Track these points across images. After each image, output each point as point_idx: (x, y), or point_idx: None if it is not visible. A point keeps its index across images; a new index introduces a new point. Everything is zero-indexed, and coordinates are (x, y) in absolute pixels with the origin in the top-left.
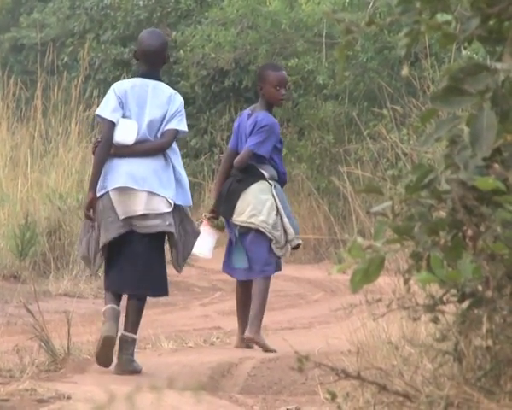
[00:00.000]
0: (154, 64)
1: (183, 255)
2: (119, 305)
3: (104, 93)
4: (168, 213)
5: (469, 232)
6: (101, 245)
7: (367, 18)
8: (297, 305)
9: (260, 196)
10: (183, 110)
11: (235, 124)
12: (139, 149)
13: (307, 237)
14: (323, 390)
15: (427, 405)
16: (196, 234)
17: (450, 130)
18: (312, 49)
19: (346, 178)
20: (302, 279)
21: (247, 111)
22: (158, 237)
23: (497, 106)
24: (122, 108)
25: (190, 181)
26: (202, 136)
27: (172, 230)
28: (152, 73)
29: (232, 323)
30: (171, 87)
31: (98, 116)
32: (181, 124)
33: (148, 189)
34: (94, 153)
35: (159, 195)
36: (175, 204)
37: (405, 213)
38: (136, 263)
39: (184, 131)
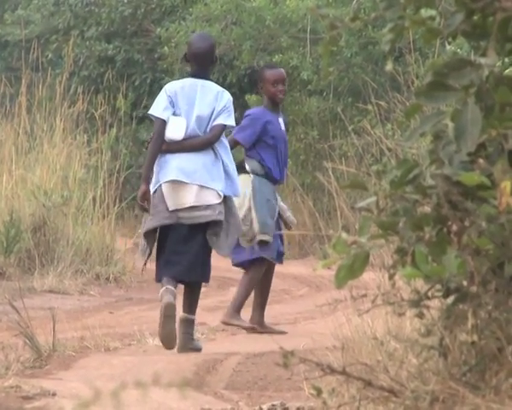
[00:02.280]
0: (202, 64)
1: (227, 242)
2: (174, 287)
3: (89, 89)
4: (219, 203)
5: (454, 227)
6: (143, 231)
7: (351, 13)
8: (282, 300)
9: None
10: (231, 106)
11: None
12: (188, 145)
13: (292, 232)
14: (309, 386)
15: (413, 400)
16: (238, 229)
17: (435, 125)
18: (297, 45)
19: (330, 173)
20: (287, 275)
21: None
22: (203, 227)
23: (482, 101)
24: (173, 106)
25: None
26: None
27: (222, 218)
28: (201, 72)
29: (217, 318)
30: (155, 83)
31: (151, 115)
32: (228, 119)
33: (199, 182)
34: (147, 149)
35: (208, 187)
36: (224, 196)
37: (390, 209)
38: (187, 252)
39: (232, 126)
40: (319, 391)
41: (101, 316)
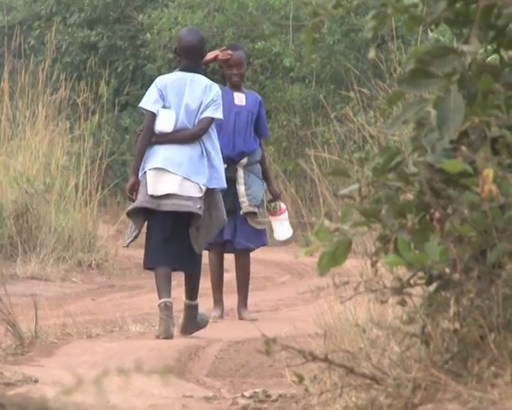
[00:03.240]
0: (192, 58)
1: (205, 238)
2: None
3: (71, 76)
4: (199, 197)
5: (437, 215)
6: (126, 211)
7: (334, 0)
8: (264, 288)
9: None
10: (220, 99)
11: None
12: (177, 137)
13: (273, 219)
14: (291, 373)
15: (395, 387)
16: (220, 223)
17: (418, 112)
18: (279, 32)
19: (313, 160)
20: (269, 262)
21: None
22: (187, 218)
23: (464, 88)
24: (163, 99)
25: None
26: None
27: (201, 212)
28: (191, 66)
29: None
30: (138, 70)
31: (141, 108)
32: (216, 112)
33: (183, 174)
34: (136, 141)
35: (192, 181)
36: (208, 189)
37: (372, 196)
38: (173, 242)
39: (220, 119)
40: (301, 378)
41: (83, 303)
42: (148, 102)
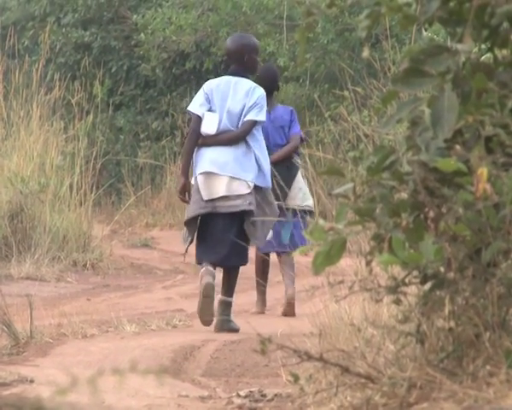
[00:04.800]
0: (237, 63)
1: (263, 232)
2: (214, 269)
3: (65, 76)
4: (249, 194)
5: (431, 214)
6: (184, 220)
7: (327, 0)
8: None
9: (303, 180)
10: (263, 102)
11: None
12: (221, 139)
13: (269, 219)
14: (286, 372)
15: (390, 386)
16: (275, 215)
17: (412, 111)
18: (273, 32)
19: (307, 160)
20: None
21: None
22: (239, 216)
23: (458, 87)
24: (208, 103)
25: (151, 164)
26: (163, 119)
27: (252, 208)
28: (237, 70)
29: (194, 305)
30: (132, 70)
31: (188, 111)
32: (259, 115)
33: (229, 174)
34: (183, 143)
35: (239, 179)
36: (256, 186)
37: (367, 195)
38: (223, 239)
39: (262, 121)
40: (296, 378)
41: (78, 303)
42: (195, 105)
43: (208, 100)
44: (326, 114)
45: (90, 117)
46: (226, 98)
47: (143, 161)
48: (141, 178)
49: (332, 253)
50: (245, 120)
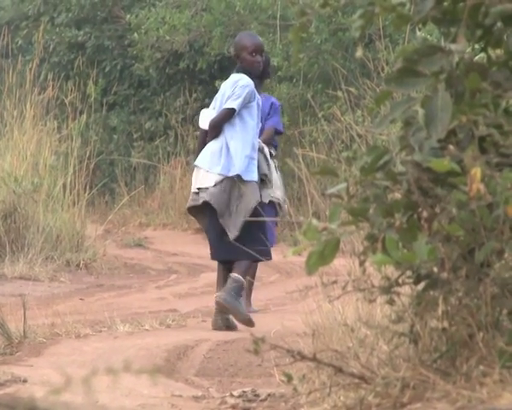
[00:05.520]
0: (238, 61)
1: (234, 223)
2: (227, 269)
3: (59, 76)
4: (212, 186)
5: (424, 214)
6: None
7: (321, 0)
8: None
9: (277, 173)
10: (242, 91)
11: None
12: (209, 132)
13: (262, 219)
14: (279, 372)
15: (383, 387)
16: (247, 212)
17: (405, 111)
18: (267, 32)
19: (300, 160)
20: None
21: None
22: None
23: (452, 87)
24: (215, 101)
25: (145, 164)
26: (157, 118)
27: (208, 198)
28: (238, 68)
29: (188, 305)
30: (125, 70)
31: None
32: (232, 102)
33: (206, 167)
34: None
35: (212, 172)
36: (230, 178)
37: (360, 195)
38: (214, 233)
39: (230, 108)
40: (290, 378)
41: (71, 303)
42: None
43: (216, 99)
44: (319, 114)
45: (84, 117)
46: (222, 94)
47: (137, 161)
48: (134, 178)
49: (325, 253)
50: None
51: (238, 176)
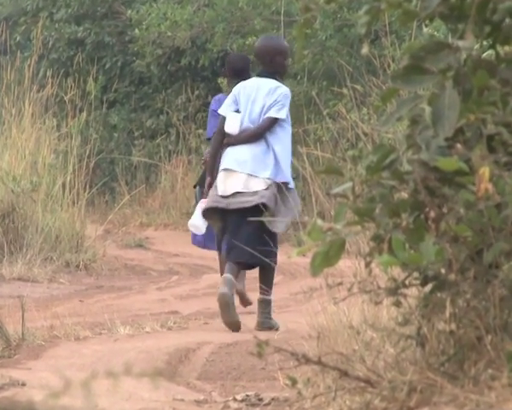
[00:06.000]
0: (264, 64)
1: (284, 221)
2: (235, 275)
3: (58, 73)
4: (265, 189)
5: (432, 214)
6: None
7: None
8: (256, 289)
9: None
10: (285, 100)
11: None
12: (241, 137)
13: (265, 219)
14: (283, 376)
15: (390, 390)
16: (294, 212)
17: (412, 109)
18: (270, 28)
19: (305, 158)
20: None
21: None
22: (255, 213)
23: (460, 85)
24: (236, 104)
25: (146, 163)
26: (158, 116)
27: (265, 200)
28: (264, 72)
29: (189, 307)
30: (126, 66)
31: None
32: (279, 112)
33: (248, 171)
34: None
35: (257, 176)
36: (277, 184)
37: (366, 195)
38: (241, 237)
39: (282, 119)
40: (294, 381)
41: (71, 304)
42: (224, 106)
43: (236, 102)
44: (324, 112)
45: (84, 115)
46: (249, 98)
47: (138, 160)
48: (135, 177)
49: (330, 254)
50: (264, 117)
51: (285, 183)
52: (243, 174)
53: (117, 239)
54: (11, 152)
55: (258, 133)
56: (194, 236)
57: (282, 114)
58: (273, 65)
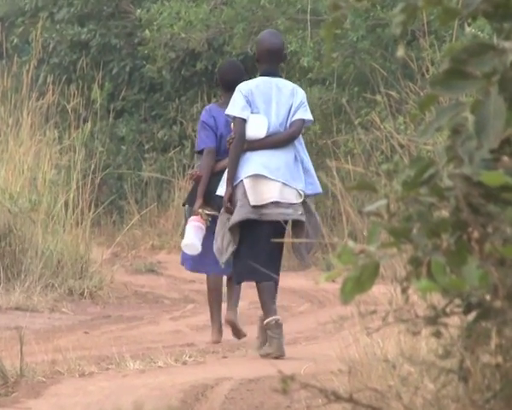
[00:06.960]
0: (275, 62)
1: (308, 247)
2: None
3: (60, 79)
4: (299, 203)
5: (475, 234)
6: (229, 226)
7: None
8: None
9: None
10: (306, 101)
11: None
12: (270, 142)
13: (290, 240)
14: None
15: None
16: (318, 229)
17: (453, 118)
18: (296, 28)
19: (334, 173)
20: (285, 289)
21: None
22: (283, 226)
23: (506, 90)
24: (250, 105)
25: (157, 179)
26: (171, 127)
27: (303, 219)
28: (273, 70)
29: (206, 339)
30: (135, 72)
31: (229, 116)
32: (306, 113)
33: (282, 179)
34: (229, 149)
35: (290, 186)
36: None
37: (402, 213)
38: (268, 251)
39: (310, 120)
40: None
41: (74, 336)
42: (236, 108)
43: (249, 102)
44: (356, 122)
45: (88, 125)
46: (270, 99)
47: (148, 175)
48: (145, 195)
49: (363, 279)
50: (294, 119)
51: (316, 194)
52: (278, 183)
53: (126, 264)
54: (8, 167)
55: (293, 137)
56: (186, 258)
57: (309, 115)
58: (279, 62)
